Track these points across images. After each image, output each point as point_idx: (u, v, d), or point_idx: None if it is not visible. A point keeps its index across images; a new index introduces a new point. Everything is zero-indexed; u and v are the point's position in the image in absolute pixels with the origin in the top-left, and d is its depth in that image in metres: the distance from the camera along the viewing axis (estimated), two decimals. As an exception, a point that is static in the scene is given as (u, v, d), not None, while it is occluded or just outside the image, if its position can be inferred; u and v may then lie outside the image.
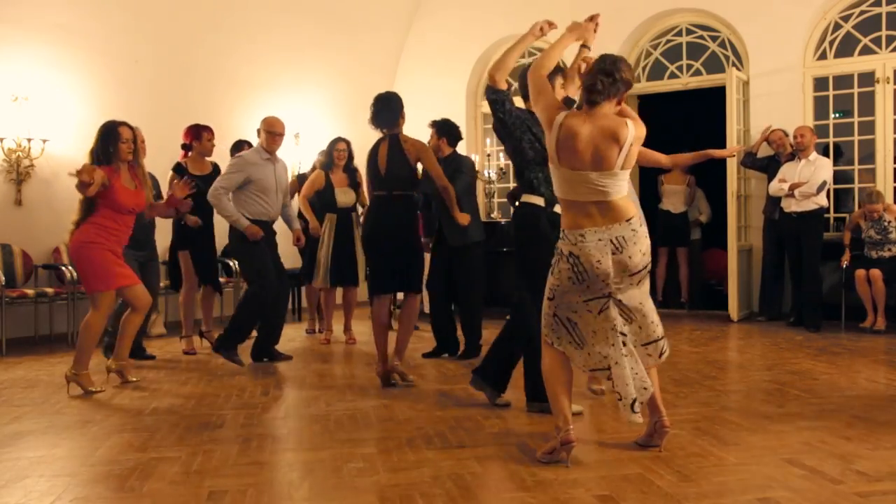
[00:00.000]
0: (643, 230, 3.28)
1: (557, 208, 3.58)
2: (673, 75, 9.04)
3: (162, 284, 7.68)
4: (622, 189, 3.23)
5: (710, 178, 9.46)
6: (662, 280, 9.21)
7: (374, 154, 5.08)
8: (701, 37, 8.97)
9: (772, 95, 8.26)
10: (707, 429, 3.77)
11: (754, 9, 8.40)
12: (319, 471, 3.23)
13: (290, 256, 7.43)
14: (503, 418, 4.08)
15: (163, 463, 3.35)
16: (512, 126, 4.15)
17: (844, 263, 7.39)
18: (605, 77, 3.23)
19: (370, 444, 3.60)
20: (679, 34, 9.08)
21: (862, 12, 8.09)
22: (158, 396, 4.80)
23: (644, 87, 9.26)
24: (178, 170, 6.30)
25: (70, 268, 7.06)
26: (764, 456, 3.32)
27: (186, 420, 4.14)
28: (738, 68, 8.46)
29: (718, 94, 8.32)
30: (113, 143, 4.95)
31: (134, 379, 5.21)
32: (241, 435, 3.80)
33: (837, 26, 8.20)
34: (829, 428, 3.74)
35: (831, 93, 8.26)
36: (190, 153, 6.42)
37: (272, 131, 5.81)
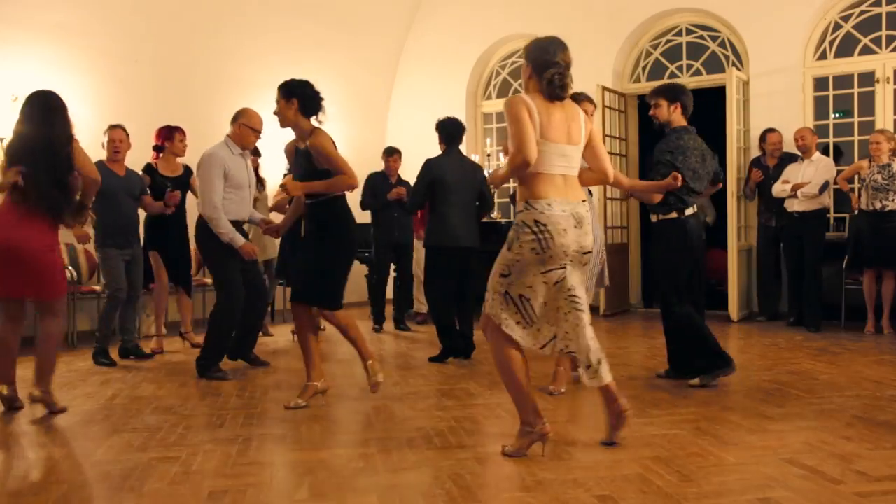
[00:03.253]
0: (589, 216, 3.47)
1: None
2: (673, 75, 9.05)
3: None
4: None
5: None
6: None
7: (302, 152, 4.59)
8: (701, 37, 8.97)
9: (772, 95, 8.26)
10: (707, 429, 3.77)
11: (754, 9, 8.40)
12: (319, 471, 3.23)
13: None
14: (503, 418, 4.08)
15: (163, 463, 3.35)
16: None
17: (856, 208, 7.19)
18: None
19: (370, 444, 3.60)
20: (679, 34, 9.08)
21: (862, 12, 8.09)
22: (158, 396, 4.80)
23: (644, 87, 9.26)
24: (149, 171, 6.33)
25: (70, 268, 7.06)
26: (764, 456, 3.32)
27: (186, 420, 4.14)
28: (738, 68, 8.46)
29: (718, 94, 8.33)
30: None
31: (61, 407, 4.40)
32: (241, 435, 3.80)
33: (837, 26, 8.20)
34: (829, 428, 3.74)
35: (831, 93, 8.27)
36: (161, 154, 6.43)
37: (255, 128, 5.46)
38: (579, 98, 4.60)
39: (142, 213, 6.31)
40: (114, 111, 7.57)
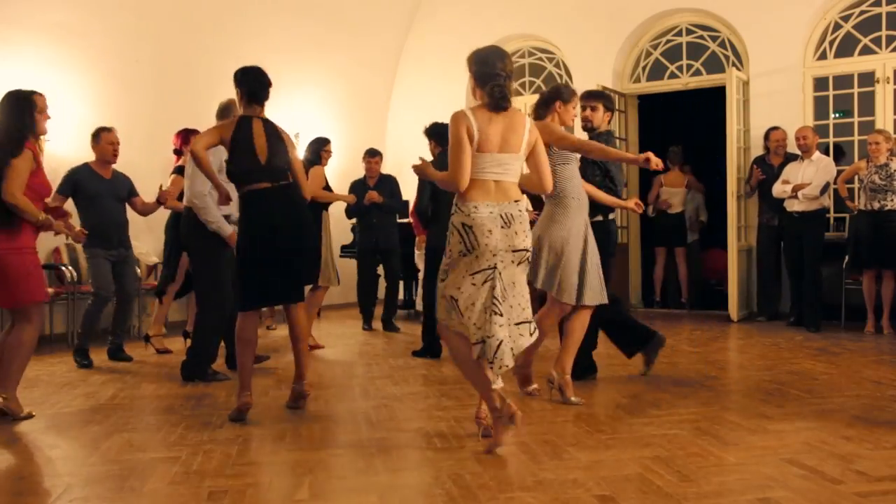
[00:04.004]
0: (527, 216, 3.55)
1: None
2: (673, 75, 9.05)
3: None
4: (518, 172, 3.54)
5: (710, 178, 9.49)
6: (661, 280, 9.22)
7: (244, 134, 4.17)
8: (701, 37, 8.97)
9: (772, 95, 8.26)
10: (707, 429, 3.77)
11: (754, 9, 8.40)
12: (319, 471, 3.23)
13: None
14: (503, 418, 4.08)
15: (163, 463, 3.35)
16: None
17: (855, 209, 7.18)
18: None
19: (370, 444, 3.60)
20: (679, 34, 9.08)
21: (862, 12, 8.09)
22: (158, 396, 4.80)
23: (644, 87, 9.27)
24: (182, 173, 6.30)
25: (70, 268, 7.07)
26: (764, 456, 3.32)
27: (186, 420, 4.14)
28: (738, 68, 8.46)
29: (718, 94, 8.33)
30: (29, 112, 4.26)
31: (26, 413, 4.27)
32: (241, 435, 3.80)
33: (837, 26, 8.20)
34: (829, 428, 3.74)
35: (831, 93, 8.27)
36: (181, 158, 6.44)
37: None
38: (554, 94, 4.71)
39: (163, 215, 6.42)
40: (114, 111, 7.58)
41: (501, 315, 3.38)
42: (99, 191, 5.93)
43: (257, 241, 4.14)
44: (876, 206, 6.95)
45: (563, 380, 4.44)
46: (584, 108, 4.98)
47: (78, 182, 5.90)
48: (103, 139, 6.02)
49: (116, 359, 6.08)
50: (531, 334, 3.50)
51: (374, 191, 7.68)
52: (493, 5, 9.93)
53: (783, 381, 4.93)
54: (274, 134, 4.25)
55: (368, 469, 3.24)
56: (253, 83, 4.30)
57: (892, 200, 6.90)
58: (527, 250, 3.50)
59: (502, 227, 3.41)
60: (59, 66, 7.35)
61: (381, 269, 8.23)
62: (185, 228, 5.25)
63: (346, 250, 9.03)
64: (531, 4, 9.67)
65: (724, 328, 7.60)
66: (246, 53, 9.01)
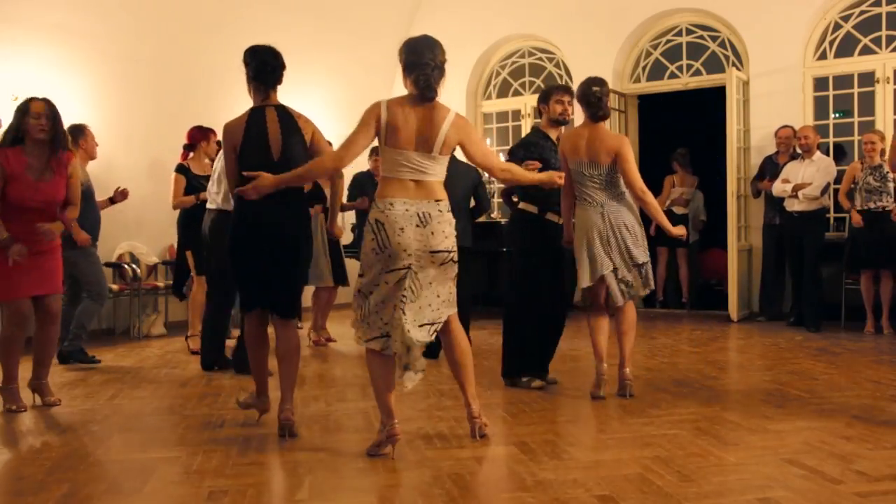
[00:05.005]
0: (450, 216, 3.45)
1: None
2: (673, 75, 9.05)
3: (162, 284, 7.72)
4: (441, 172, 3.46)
5: (710, 178, 9.49)
6: (662, 280, 9.22)
7: (257, 128, 3.83)
8: (701, 37, 8.97)
9: (772, 95, 8.26)
10: (707, 429, 3.77)
11: (754, 9, 8.40)
12: (319, 471, 3.23)
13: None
14: (503, 418, 4.08)
15: (163, 463, 3.35)
16: None
17: (855, 224, 7.07)
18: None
19: (370, 444, 3.59)
20: (679, 34, 9.08)
21: (862, 12, 8.09)
22: (158, 396, 4.80)
23: (644, 87, 9.27)
24: (182, 170, 6.31)
25: (133, 265, 7.34)
26: (764, 456, 3.32)
27: (186, 420, 4.14)
28: (738, 68, 8.46)
29: (718, 94, 8.33)
30: (21, 117, 4.32)
31: (55, 399, 4.55)
32: (241, 435, 3.79)
33: (837, 26, 8.20)
34: (829, 428, 3.74)
35: (831, 93, 8.26)
36: (192, 153, 6.43)
37: None
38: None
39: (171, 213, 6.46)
40: (114, 111, 7.58)
41: (405, 314, 3.31)
42: (90, 188, 5.90)
43: (252, 241, 3.77)
44: (871, 206, 6.98)
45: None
46: (558, 103, 4.87)
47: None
48: (89, 135, 6.00)
49: (84, 361, 5.82)
50: (430, 336, 3.43)
51: None
52: (493, 5, 9.93)
53: (783, 381, 4.93)
54: (289, 126, 3.86)
55: (368, 469, 3.25)
56: (261, 65, 3.92)
57: (886, 201, 6.94)
58: (447, 251, 3.40)
59: (417, 225, 3.33)
60: (59, 66, 7.35)
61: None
62: (213, 229, 5.36)
63: (348, 250, 9.02)
64: (531, 4, 9.66)
65: (724, 328, 7.60)
66: (246, 53, 9.07)
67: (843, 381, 4.93)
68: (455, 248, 3.46)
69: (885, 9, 7.97)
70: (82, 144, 5.95)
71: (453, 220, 3.48)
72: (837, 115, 8.37)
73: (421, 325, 3.38)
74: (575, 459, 3.30)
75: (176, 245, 6.70)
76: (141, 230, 7.76)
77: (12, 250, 4.21)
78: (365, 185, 7.67)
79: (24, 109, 4.35)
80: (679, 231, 4.59)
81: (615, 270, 4.45)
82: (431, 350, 6.01)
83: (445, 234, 3.40)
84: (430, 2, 10.47)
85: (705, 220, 9.27)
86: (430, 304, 3.42)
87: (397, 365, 3.35)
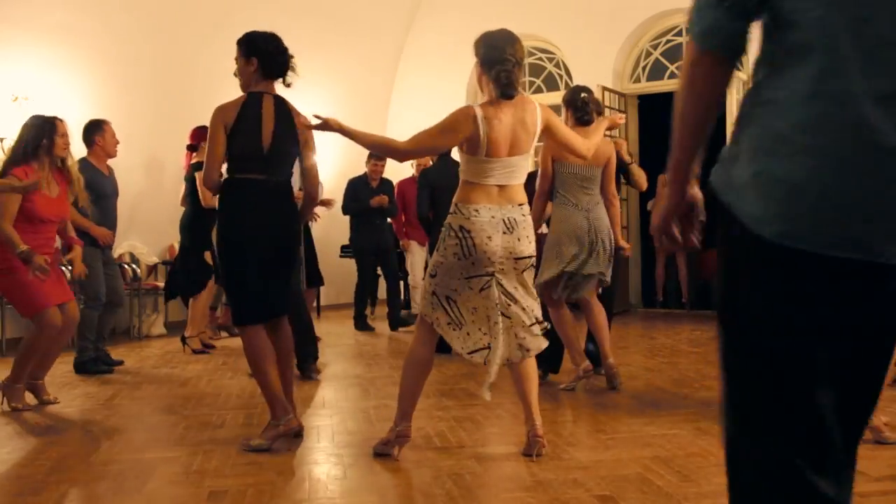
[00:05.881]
0: (530, 220, 3.39)
1: None
2: (673, 75, 9.04)
3: (162, 284, 7.71)
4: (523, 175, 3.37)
5: (709, 178, 9.48)
6: (662, 280, 9.23)
7: (252, 112, 3.56)
8: (701, 37, 8.96)
9: (772, 95, 8.25)
10: (707, 429, 3.77)
11: (754, 9, 8.40)
12: (319, 471, 3.23)
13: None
14: (503, 418, 4.08)
15: (163, 463, 3.35)
16: None
17: None
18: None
19: (371, 444, 3.59)
20: (679, 34, 9.08)
21: (862, 12, 8.09)
22: (158, 396, 4.80)
23: (644, 87, 9.27)
24: (201, 168, 6.27)
25: (133, 265, 7.36)
26: (764, 456, 3.31)
27: (186, 420, 4.14)
28: (738, 68, 8.45)
29: (718, 94, 8.32)
30: (49, 135, 4.47)
31: (51, 398, 4.60)
32: (241, 435, 3.79)
33: (837, 26, 8.20)
34: (829, 428, 3.74)
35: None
36: (195, 154, 6.42)
37: None
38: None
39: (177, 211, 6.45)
40: (114, 111, 7.55)
41: (507, 318, 3.30)
42: (106, 188, 5.63)
43: (245, 242, 3.52)
44: None
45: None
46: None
47: (88, 180, 5.41)
48: (108, 131, 5.73)
49: (102, 371, 5.59)
50: (542, 333, 3.41)
51: (378, 193, 7.68)
52: (493, 5, 9.92)
53: (783, 381, 4.92)
54: (285, 118, 3.63)
55: (368, 469, 3.24)
56: (265, 51, 3.64)
57: None
58: (531, 257, 3.36)
59: (504, 232, 3.26)
60: (59, 66, 7.35)
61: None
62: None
63: (346, 250, 9.04)
64: (531, 4, 9.66)
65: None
66: (246, 53, 9.07)
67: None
68: (535, 254, 3.42)
69: (885, 9, 7.97)
70: (98, 141, 5.66)
71: (532, 224, 3.43)
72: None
73: (529, 325, 3.34)
74: (575, 459, 3.29)
75: (178, 246, 6.66)
76: (141, 230, 7.76)
77: (34, 265, 4.22)
78: (359, 191, 7.72)
79: (52, 128, 4.50)
80: (626, 245, 5.01)
81: (580, 268, 4.55)
82: (444, 345, 5.97)
83: (529, 239, 3.34)
84: (430, 2, 10.47)
85: (705, 220, 9.27)
86: (528, 305, 3.37)
87: (488, 376, 3.30)
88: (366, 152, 8.07)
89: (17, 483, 3.17)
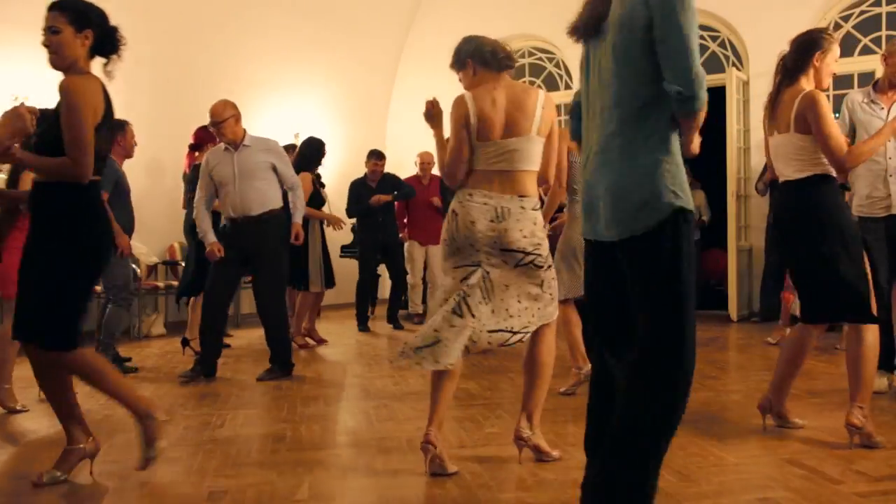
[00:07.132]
0: (535, 215, 3.17)
1: None
2: (673, 75, 9.04)
3: (162, 284, 7.72)
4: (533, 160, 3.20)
5: (710, 178, 9.48)
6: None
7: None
8: (701, 37, 8.95)
9: (772, 95, 8.25)
10: (707, 429, 3.77)
11: (754, 9, 8.40)
12: (319, 471, 3.23)
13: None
14: (503, 418, 4.08)
15: (163, 463, 3.35)
16: None
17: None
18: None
19: (370, 445, 3.60)
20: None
21: (862, 12, 8.09)
22: (159, 396, 4.80)
23: (644, 87, 9.26)
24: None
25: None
26: (764, 456, 3.32)
27: (186, 420, 4.14)
28: (738, 68, 8.46)
29: (718, 94, 8.32)
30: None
31: (19, 407, 4.42)
32: (241, 435, 3.80)
33: (837, 26, 8.20)
34: (829, 428, 3.74)
35: (831, 92, 8.25)
36: (198, 153, 6.42)
37: (210, 121, 5.52)
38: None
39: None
40: (114, 111, 7.56)
41: (462, 317, 3.04)
42: (126, 186, 5.63)
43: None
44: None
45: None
46: None
47: (113, 178, 5.41)
48: (129, 132, 5.74)
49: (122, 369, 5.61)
50: (508, 342, 3.13)
51: (377, 192, 7.70)
52: (494, 5, 9.93)
53: (783, 381, 4.92)
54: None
55: (368, 469, 3.25)
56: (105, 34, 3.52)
57: None
58: (524, 252, 3.12)
59: (491, 220, 3.09)
60: (59, 66, 7.34)
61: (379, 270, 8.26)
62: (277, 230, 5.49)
63: (346, 250, 9.04)
64: (531, 4, 9.66)
65: (724, 328, 7.59)
66: (246, 53, 9.07)
67: (843, 381, 4.91)
68: (539, 252, 3.15)
69: (885, 9, 7.97)
70: (120, 141, 5.63)
71: (540, 220, 3.21)
72: (837, 115, 8.35)
73: (493, 331, 3.09)
74: (575, 459, 3.29)
75: (188, 247, 6.62)
76: (141, 230, 7.74)
77: None
78: (361, 193, 7.75)
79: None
80: None
81: None
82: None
83: (524, 232, 3.11)
84: (430, 2, 10.47)
85: (706, 219, 9.29)
86: (508, 308, 3.11)
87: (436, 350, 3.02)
88: (365, 153, 8.09)
89: (17, 483, 3.18)
